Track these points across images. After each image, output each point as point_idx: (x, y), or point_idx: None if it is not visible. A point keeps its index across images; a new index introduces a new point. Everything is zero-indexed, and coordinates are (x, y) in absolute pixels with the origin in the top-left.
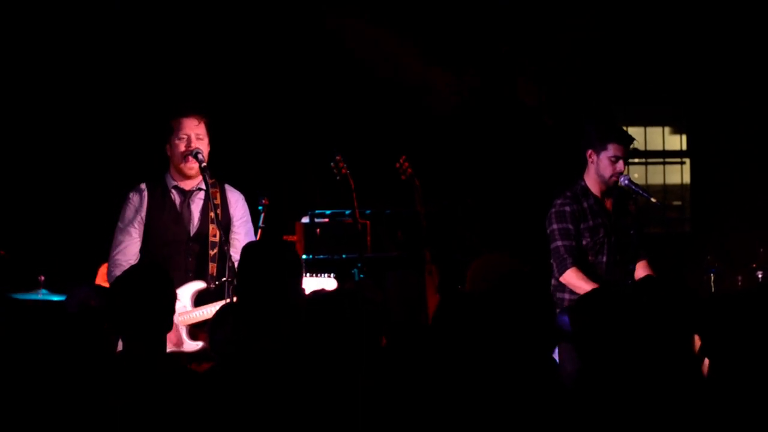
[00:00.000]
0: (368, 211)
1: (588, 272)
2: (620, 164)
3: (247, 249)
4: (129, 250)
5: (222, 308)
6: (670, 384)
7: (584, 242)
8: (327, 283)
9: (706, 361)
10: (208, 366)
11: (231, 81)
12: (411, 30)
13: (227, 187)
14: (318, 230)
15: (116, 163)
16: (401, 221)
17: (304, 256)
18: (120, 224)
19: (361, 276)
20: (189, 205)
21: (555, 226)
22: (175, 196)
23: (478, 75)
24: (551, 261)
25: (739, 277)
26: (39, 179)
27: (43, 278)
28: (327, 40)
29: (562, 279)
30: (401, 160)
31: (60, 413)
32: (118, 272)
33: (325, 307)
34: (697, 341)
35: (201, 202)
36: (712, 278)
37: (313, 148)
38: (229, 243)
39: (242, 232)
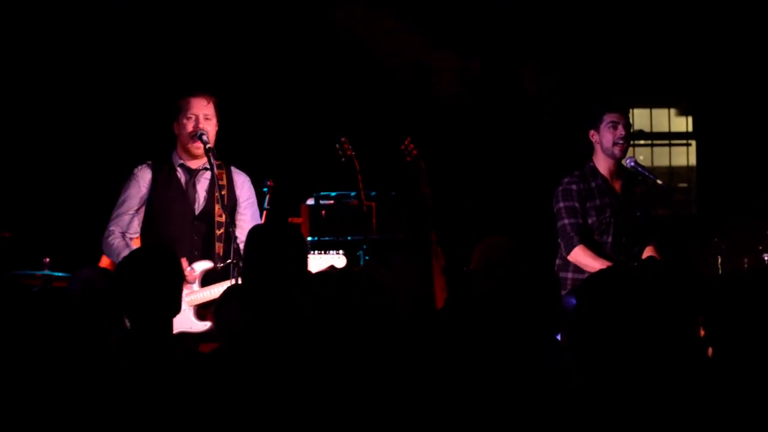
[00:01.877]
0: (373, 193)
1: (595, 251)
2: (620, 129)
3: (253, 232)
4: (123, 220)
5: (228, 289)
6: (675, 366)
7: (590, 221)
8: (336, 260)
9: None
10: (215, 347)
11: (237, 63)
12: (416, 15)
13: (233, 168)
14: (323, 212)
15: (122, 143)
16: (407, 203)
17: (309, 238)
18: (121, 197)
19: (367, 258)
20: (195, 184)
21: (561, 205)
22: (181, 175)
23: (481, 63)
24: (558, 240)
25: (746, 259)
26: (43, 158)
27: (48, 260)
28: (332, 23)
29: (569, 257)
30: (406, 142)
31: (62, 399)
32: (112, 241)
33: (331, 291)
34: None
35: (207, 182)
36: (719, 260)
37: (318, 130)
38: (234, 224)
39: (248, 214)
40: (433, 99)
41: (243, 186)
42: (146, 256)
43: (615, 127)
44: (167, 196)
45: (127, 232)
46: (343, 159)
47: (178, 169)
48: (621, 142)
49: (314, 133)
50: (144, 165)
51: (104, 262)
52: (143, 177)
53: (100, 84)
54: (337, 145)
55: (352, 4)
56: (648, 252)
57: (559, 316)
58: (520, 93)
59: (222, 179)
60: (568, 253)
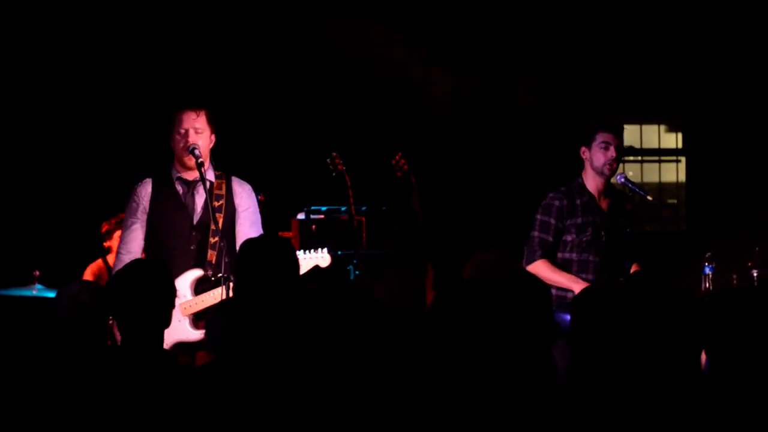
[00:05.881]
0: (364, 208)
1: (578, 268)
2: (611, 150)
3: (244, 246)
4: (132, 246)
5: (220, 303)
6: (665, 381)
7: (569, 238)
8: (320, 259)
9: (703, 357)
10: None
11: (229, 77)
12: (408, 27)
13: (234, 178)
14: (313, 227)
15: (113, 156)
16: (397, 218)
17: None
18: (126, 220)
19: (357, 273)
20: (193, 195)
21: (538, 217)
22: (179, 187)
23: (476, 74)
24: (524, 247)
25: (735, 276)
26: (35, 171)
27: (38, 273)
28: (325, 38)
29: (528, 268)
30: (397, 157)
31: (53, 411)
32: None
33: (326, 301)
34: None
35: (205, 193)
36: (710, 277)
37: (310, 145)
38: (226, 237)
39: (246, 223)
40: (425, 114)
41: (241, 195)
42: (137, 270)
43: (607, 148)
44: (166, 209)
45: (133, 254)
46: (333, 174)
47: (176, 182)
48: (612, 163)
49: (305, 147)
50: (144, 181)
51: (87, 276)
52: (143, 192)
53: (93, 96)
54: (328, 160)
55: (346, 19)
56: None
57: (550, 330)
58: (512, 108)
59: (221, 189)
60: (527, 264)
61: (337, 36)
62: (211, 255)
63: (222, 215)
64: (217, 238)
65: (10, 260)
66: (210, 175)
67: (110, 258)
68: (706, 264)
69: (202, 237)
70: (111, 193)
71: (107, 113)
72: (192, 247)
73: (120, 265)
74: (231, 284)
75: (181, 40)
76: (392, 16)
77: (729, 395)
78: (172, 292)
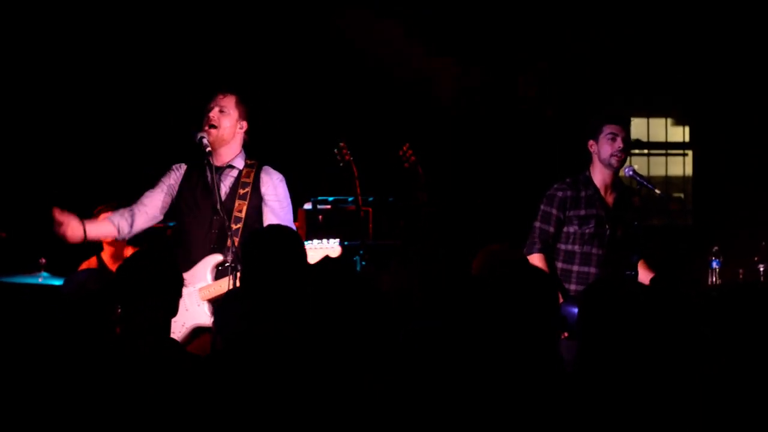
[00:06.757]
0: (371, 199)
1: (580, 260)
2: (619, 141)
3: (249, 236)
4: (144, 199)
5: (227, 293)
6: (670, 374)
7: (571, 230)
8: (330, 250)
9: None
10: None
11: (237, 67)
12: (416, 22)
13: (265, 168)
14: (320, 217)
15: (123, 145)
16: (403, 209)
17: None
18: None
19: (363, 263)
20: (220, 181)
21: (541, 207)
22: (208, 172)
23: (480, 70)
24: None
25: (741, 270)
26: (42, 158)
27: (44, 261)
28: (332, 30)
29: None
30: (404, 148)
31: (59, 399)
32: (123, 209)
33: (338, 293)
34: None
35: (232, 179)
36: (716, 271)
37: (317, 135)
38: (260, 222)
39: (270, 213)
40: (433, 105)
41: (267, 184)
42: (144, 259)
43: (614, 139)
44: (193, 193)
45: (138, 205)
46: (341, 164)
47: (207, 167)
48: (619, 154)
49: (312, 137)
50: (180, 164)
51: (86, 265)
52: (177, 170)
53: (103, 87)
54: (335, 150)
55: (353, 11)
56: (642, 268)
57: (557, 323)
58: (518, 100)
59: (249, 177)
60: (527, 254)
61: (344, 28)
62: (232, 241)
63: (246, 203)
64: (240, 226)
65: (17, 248)
66: (239, 162)
67: (104, 255)
68: (713, 258)
69: (223, 223)
70: (119, 181)
71: (116, 103)
72: (213, 231)
73: (125, 209)
74: (238, 273)
75: (193, 28)
76: (395, 15)
77: (732, 390)
78: (179, 282)
